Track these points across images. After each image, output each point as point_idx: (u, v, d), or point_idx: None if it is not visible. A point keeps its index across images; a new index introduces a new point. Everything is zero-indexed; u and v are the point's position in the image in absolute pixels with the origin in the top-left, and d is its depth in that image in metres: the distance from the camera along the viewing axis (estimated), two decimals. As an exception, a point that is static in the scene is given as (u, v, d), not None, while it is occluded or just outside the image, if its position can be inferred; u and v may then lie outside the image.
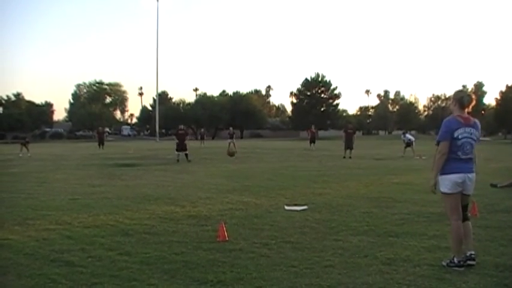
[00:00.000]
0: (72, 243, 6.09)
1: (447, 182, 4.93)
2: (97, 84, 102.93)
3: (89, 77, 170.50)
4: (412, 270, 4.82)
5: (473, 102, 5.03)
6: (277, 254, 5.52)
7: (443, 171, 4.96)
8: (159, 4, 69.78)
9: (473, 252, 4.97)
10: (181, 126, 23.95)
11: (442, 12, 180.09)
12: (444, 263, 4.98)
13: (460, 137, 4.87)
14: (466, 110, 5.00)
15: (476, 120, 5.10)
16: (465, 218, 5.10)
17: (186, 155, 21.89)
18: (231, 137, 33.26)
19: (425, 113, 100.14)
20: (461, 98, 4.97)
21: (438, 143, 5.00)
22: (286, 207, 8.61)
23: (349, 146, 24.40)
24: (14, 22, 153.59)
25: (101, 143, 38.43)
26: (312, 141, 36.86)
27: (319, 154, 28.25)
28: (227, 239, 6.15)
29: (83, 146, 45.04)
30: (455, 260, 4.90)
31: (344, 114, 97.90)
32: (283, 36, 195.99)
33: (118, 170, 17.20)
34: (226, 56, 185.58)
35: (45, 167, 19.27)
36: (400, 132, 43.77)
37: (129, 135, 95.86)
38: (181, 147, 21.92)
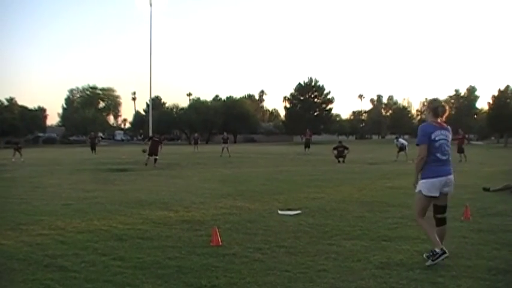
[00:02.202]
0: (65, 249, 6.06)
1: (429, 185, 5.19)
2: (90, 89, 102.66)
3: (82, 81, 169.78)
4: (406, 274, 4.84)
5: (447, 113, 5.37)
6: (270, 258, 5.52)
7: (427, 174, 5.21)
8: (153, 9, 69.60)
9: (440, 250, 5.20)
10: (157, 135, 26.16)
11: (435, 17, 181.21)
12: (425, 256, 5.19)
13: (437, 138, 5.18)
14: (440, 119, 5.32)
15: (447, 126, 5.40)
16: (444, 222, 5.37)
17: (155, 159, 22.66)
18: (225, 142, 33.28)
19: (418, 117, 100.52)
20: (436, 108, 5.34)
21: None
22: (280, 212, 8.62)
23: (340, 155, 24.98)
24: (7, 27, 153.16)
25: (93, 148, 38.46)
26: (307, 145, 37.05)
27: (312, 159, 28.31)
28: (221, 243, 6.15)
29: (76, 151, 44.85)
30: (437, 249, 5.10)
31: (337, 118, 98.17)
32: (276, 41, 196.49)
33: (111, 175, 17.16)
34: (219, 60, 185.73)
35: (38, 172, 19.18)
36: (393, 136, 43.89)
37: (122, 140, 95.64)
38: (152, 151, 22.90)
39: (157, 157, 22.74)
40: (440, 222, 5.38)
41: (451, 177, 5.27)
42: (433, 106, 5.38)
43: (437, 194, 5.20)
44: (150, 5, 71.17)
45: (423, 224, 5.32)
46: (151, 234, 6.89)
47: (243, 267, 5.17)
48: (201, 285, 4.59)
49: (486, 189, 11.28)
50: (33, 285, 4.62)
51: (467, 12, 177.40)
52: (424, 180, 5.22)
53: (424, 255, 5.28)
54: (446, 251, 5.09)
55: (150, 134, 71.99)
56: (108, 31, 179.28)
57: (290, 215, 8.31)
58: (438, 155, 5.18)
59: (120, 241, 6.46)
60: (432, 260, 5.09)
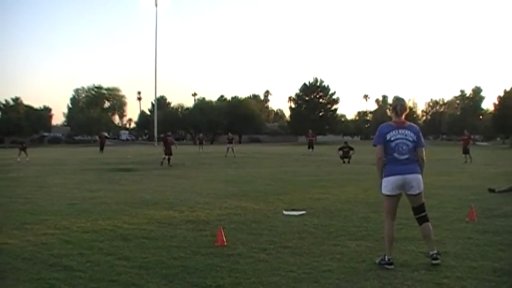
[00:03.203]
0: (70, 248, 6.08)
1: (386, 184, 5.23)
2: (95, 89, 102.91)
3: (87, 81, 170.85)
4: (410, 275, 4.83)
5: (407, 111, 5.42)
6: (275, 259, 5.52)
7: (384, 173, 5.24)
8: (158, 9, 69.80)
9: (435, 252, 5.18)
10: (169, 133, 26.35)
11: (440, 17, 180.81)
12: (377, 261, 5.24)
13: (392, 138, 5.18)
14: (402, 116, 5.34)
15: (413, 124, 5.40)
16: (424, 220, 5.33)
17: (169, 159, 22.77)
18: (230, 142, 33.28)
19: (424, 118, 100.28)
20: (395, 106, 5.40)
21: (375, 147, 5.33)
22: (285, 212, 8.62)
23: (346, 156, 24.93)
24: (12, 26, 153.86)
25: (102, 147, 38.78)
26: (310, 146, 37.06)
27: (317, 159, 28.28)
28: (225, 243, 6.15)
29: (81, 151, 44.99)
30: (386, 258, 5.15)
31: (342, 119, 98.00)
32: (281, 41, 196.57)
33: (116, 175, 17.19)
34: (224, 61, 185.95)
35: (43, 171, 19.25)
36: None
37: (127, 140, 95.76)
38: (169, 151, 22.98)
39: (171, 156, 22.91)
40: (420, 221, 5.36)
41: (412, 176, 5.17)
42: (393, 105, 5.44)
43: (394, 193, 5.20)
44: (156, 5, 71.52)
45: (385, 229, 5.33)
46: (156, 234, 6.91)
47: (248, 267, 5.17)
48: (206, 285, 4.59)
49: (491, 190, 11.23)
50: (38, 285, 4.64)
51: (473, 12, 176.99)
52: (383, 179, 5.25)
53: (376, 260, 5.28)
54: (393, 264, 5.09)
55: (156, 133, 72.56)
56: (113, 31, 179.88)
57: (295, 216, 8.30)
58: (395, 154, 5.17)
59: (125, 241, 6.47)
60: (379, 263, 5.19)
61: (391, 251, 5.21)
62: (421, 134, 5.35)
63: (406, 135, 5.20)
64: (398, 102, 5.41)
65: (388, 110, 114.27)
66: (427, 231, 5.33)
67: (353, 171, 18.86)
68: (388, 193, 5.22)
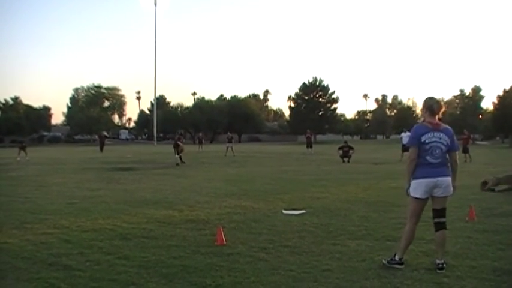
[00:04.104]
0: (70, 247, 6.08)
1: (416, 186, 5.02)
2: (95, 88, 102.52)
3: (86, 80, 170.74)
4: (410, 274, 4.83)
5: (443, 109, 5.23)
6: (275, 258, 5.52)
7: (415, 175, 5.04)
8: (157, 9, 69.70)
9: (442, 261, 4.99)
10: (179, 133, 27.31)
11: (440, 17, 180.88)
12: (385, 261, 5.15)
13: (427, 141, 4.96)
14: (437, 116, 5.12)
15: (448, 127, 5.16)
16: (442, 227, 5.13)
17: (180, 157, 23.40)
18: (230, 141, 33.31)
19: (423, 117, 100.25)
20: (431, 105, 5.13)
21: (407, 149, 5.17)
22: (284, 212, 8.61)
23: (345, 155, 24.98)
24: (12, 26, 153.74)
25: (102, 147, 38.91)
26: (309, 145, 37.07)
27: (317, 158, 28.27)
28: (225, 243, 6.15)
29: (81, 150, 44.97)
30: (397, 257, 5.09)
31: (342, 118, 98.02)
32: (281, 40, 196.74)
33: (116, 174, 17.19)
34: (224, 60, 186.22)
35: (43, 171, 19.24)
36: (398, 136, 43.00)
37: (127, 139, 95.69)
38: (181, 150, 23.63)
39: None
40: (438, 226, 5.14)
41: (443, 179, 4.98)
42: (429, 104, 5.14)
43: (424, 197, 5.02)
44: (155, 4, 71.46)
45: (406, 231, 5.17)
46: (156, 233, 6.90)
47: (248, 266, 5.17)
48: (206, 284, 4.59)
49: (491, 190, 11.24)
50: (38, 284, 4.63)
51: (472, 12, 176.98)
52: (413, 181, 5.05)
53: (383, 261, 5.21)
54: (404, 264, 5.04)
55: (155, 133, 72.61)
56: (113, 30, 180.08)
57: (294, 215, 8.30)
58: (428, 157, 4.96)
59: (125, 240, 6.47)
60: (388, 262, 5.12)
61: (404, 252, 5.12)
62: (454, 137, 5.15)
63: (441, 138, 4.98)
64: (434, 101, 5.17)
65: (387, 109, 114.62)
66: (441, 238, 5.12)
67: (353, 170, 18.86)
68: (418, 196, 5.02)
